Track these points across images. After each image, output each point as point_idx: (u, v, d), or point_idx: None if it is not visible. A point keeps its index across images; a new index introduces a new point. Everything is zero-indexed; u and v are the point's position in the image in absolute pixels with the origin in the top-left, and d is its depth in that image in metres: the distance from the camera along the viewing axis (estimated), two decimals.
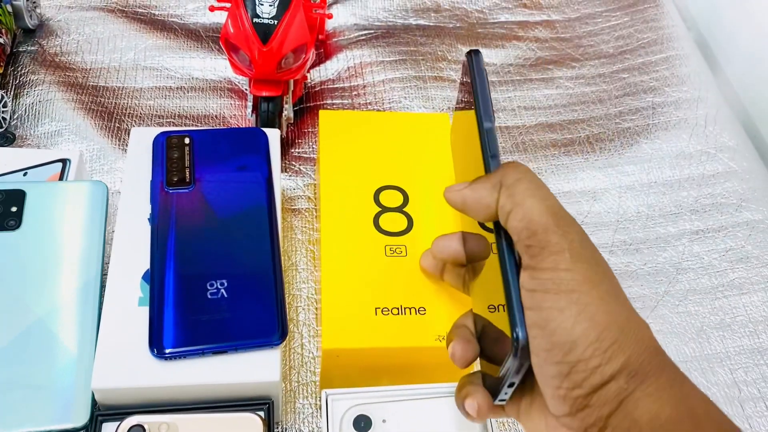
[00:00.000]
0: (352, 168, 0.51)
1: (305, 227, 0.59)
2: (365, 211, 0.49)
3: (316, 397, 0.50)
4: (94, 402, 0.41)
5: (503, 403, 0.34)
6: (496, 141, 0.36)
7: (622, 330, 0.28)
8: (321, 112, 0.54)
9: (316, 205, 0.59)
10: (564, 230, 0.30)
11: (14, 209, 0.47)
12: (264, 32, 0.54)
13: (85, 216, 0.48)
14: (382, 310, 0.45)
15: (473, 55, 0.40)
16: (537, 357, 0.30)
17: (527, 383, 0.33)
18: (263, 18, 0.54)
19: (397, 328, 0.44)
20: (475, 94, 0.39)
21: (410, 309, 0.45)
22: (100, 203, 0.48)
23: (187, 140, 0.50)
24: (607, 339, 0.28)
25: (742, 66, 0.77)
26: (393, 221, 0.49)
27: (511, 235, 0.32)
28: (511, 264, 0.32)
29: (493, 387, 0.34)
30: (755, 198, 0.63)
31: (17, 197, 0.48)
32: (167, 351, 0.41)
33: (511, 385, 0.33)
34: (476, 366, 0.38)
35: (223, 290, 0.43)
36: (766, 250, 0.60)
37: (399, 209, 0.49)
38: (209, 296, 0.43)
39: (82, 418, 0.40)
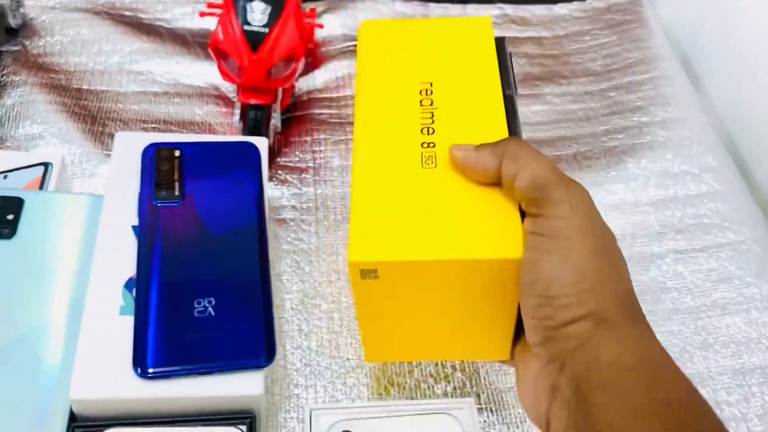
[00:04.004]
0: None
1: (290, 237, 0.58)
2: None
3: (299, 410, 0.49)
4: (71, 414, 0.40)
5: None
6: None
7: (599, 280, 0.31)
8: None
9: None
10: (567, 186, 0.33)
11: (10, 217, 0.46)
12: (254, 40, 0.54)
13: (82, 230, 0.46)
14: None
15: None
16: (521, 288, 0.34)
17: (522, 334, 0.36)
18: (254, 25, 0.54)
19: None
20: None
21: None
22: (98, 217, 0.46)
23: (177, 153, 0.49)
24: (583, 284, 0.31)
25: (723, 87, 0.78)
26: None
27: (517, 195, 0.35)
28: None
29: None
30: (738, 219, 0.64)
31: (14, 205, 0.46)
32: (151, 371, 0.40)
33: None
34: None
35: (210, 308, 0.42)
36: (748, 271, 0.60)
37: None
38: (196, 314, 0.42)
39: None
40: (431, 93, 0.43)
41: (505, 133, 0.40)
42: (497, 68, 0.44)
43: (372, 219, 0.38)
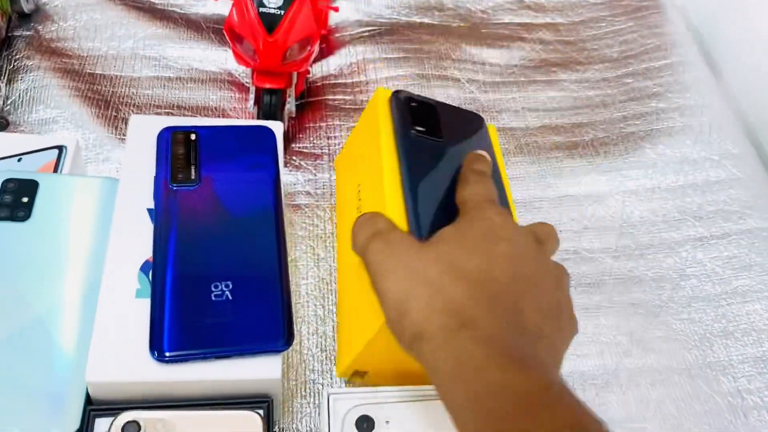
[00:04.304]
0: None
1: (305, 223, 0.57)
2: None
3: (315, 396, 0.48)
4: (87, 397, 0.40)
5: None
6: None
7: (406, 305, 0.35)
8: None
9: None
10: (367, 246, 0.38)
11: (25, 200, 0.45)
12: (270, 22, 0.53)
13: (97, 213, 0.46)
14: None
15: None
16: None
17: None
18: (270, 8, 0.53)
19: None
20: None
21: None
22: (112, 201, 0.46)
23: (192, 136, 0.48)
24: (395, 317, 0.35)
25: (743, 74, 0.77)
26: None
27: None
28: None
29: None
30: (758, 206, 0.63)
31: (29, 188, 0.46)
32: (168, 354, 0.39)
33: None
34: None
35: (227, 292, 0.42)
36: None
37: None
38: (213, 298, 0.41)
39: (72, 424, 0.39)
40: (360, 194, 0.48)
41: (398, 198, 0.42)
42: (391, 132, 0.45)
43: (342, 332, 0.45)
